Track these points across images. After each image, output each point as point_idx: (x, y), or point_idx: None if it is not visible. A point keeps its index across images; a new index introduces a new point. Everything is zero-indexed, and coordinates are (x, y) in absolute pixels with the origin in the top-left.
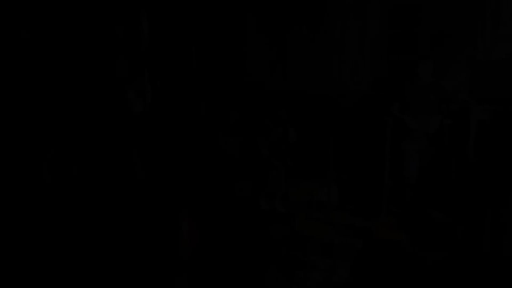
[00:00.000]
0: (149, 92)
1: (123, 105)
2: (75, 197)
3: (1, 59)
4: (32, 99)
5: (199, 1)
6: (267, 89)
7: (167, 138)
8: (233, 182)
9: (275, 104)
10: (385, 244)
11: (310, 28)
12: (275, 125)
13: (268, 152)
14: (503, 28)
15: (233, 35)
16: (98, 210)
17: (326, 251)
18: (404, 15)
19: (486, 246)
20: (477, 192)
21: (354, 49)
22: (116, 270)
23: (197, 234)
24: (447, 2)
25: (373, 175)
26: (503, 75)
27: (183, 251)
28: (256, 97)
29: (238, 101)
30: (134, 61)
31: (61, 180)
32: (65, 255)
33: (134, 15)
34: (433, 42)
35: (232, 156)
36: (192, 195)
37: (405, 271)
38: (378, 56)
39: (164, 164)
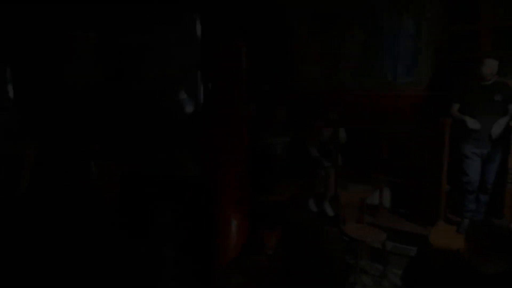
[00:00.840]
0: (201, 93)
1: (176, 105)
2: (126, 194)
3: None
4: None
5: (251, 2)
6: (317, 89)
7: (217, 137)
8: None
9: (326, 105)
10: (441, 252)
11: (363, 28)
12: (325, 125)
13: (317, 152)
14: None
15: (284, 35)
16: (150, 207)
17: (376, 256)
18: (464, 10)
19: None
20: None
21: (409, 48)
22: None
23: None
24: None
25: (430, 180)
26: None
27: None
28: (306, 98)
29: (287, 101)
30: (187, 62)
31: (109, 177)
32: (117, 251)
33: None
34: (495, 38)
35: (279, 157)
36: (241, 193)
37: (462, 282)
38: (436, 54)
39: (215, 163)
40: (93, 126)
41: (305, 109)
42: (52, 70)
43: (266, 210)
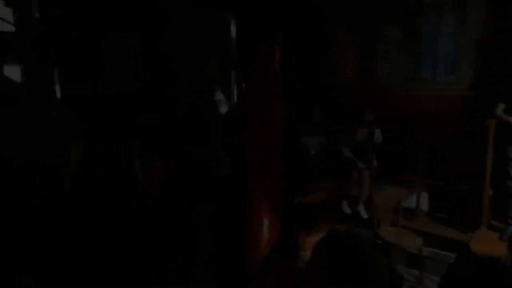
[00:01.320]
0: (234, 93)
1: (211, 106)
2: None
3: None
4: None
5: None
6: (353, 89)
7: (250, 137)
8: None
9: (361, 104)
10: (482, 259)
11: (402, 26)
12: (360, 125)
13: (351, 153)
14: None
15: (319, 33)
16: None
17: (412, 261)
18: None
19: None
20: None
21: (450, 46)
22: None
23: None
24: None
25: (471, 184)
26: None
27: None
28: (341, 97)
29: (321, 101)
30: (221, 63)
31: (151, 174)
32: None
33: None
34: None
35: (313, 157)
36: (274, 193)
37: None
38: (480, 51)
39: (248, 162)
40: (136, 126)
41: (339, 109)
42: (96, 71)
43: (300, 211)
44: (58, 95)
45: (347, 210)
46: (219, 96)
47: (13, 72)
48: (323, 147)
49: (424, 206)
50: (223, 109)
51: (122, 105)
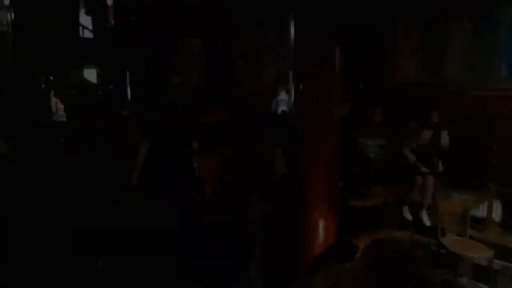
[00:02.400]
0: (292, 93)
1: (269, 105)
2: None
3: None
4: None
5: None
6: (417, 88)
7: (307, 138)
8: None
9: (426, 105)
10: None
11: (474, 19)
12: (425, 127)
13: (414, 157)
14: None
15: (380, 30)
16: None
17: (480, 274)
18: None
19: None
20: None
21: None
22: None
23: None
24: None
25: None
26: None
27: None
28: (403, 97)
29: (383, 102)
30: (281, 63)
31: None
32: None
33: None
34: None
35: (373, 160)
36: (331, 194)
37: None
38: None
39: (305, 163)
40: (196, 124)
41: (402, 110)
42: (164, 73)
43: (358, 214)
44: (129, 95)
45: (409, 216)
46: (277, 96)
47: (91, 75)
48: (385, 150)
49: (496, 215)
50: (281, 109)
51: (185, 104)
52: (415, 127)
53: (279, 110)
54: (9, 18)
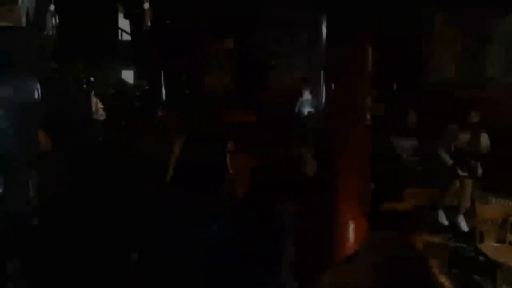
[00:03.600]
0: (323, 93)
1: (300, 106)
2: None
3: None
4: None
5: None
6: (454, 87)
7: (338, 138)
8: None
9: (464, 105)
10: None
11: None
12: (463, 129)
13: (450, 160)
14: None
15: (416, 26)
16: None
17: None
18: None
19: None
20: None
21: None
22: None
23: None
24: None
25: None
26: None
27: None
28: (440, 97)
29: (417, 101)
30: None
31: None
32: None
33: None
34: None
35: (406, 162)
36: (361, 196)
37: None
38: None
39: (335, 164)
40: (229, 124)
41: (438, 110)
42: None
43: (390, 217)
44: (164, 95)
45: (444, 221)
46: (308, 96)
47: (128, 75)
48: (419, 152)
49: None
50: (312, 109)
51: (217, 105)
52: (453, 128)
53: (310, 110)
54: (54, 22)
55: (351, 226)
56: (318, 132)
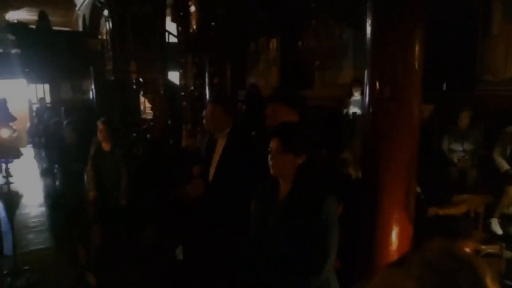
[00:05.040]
0: (367, 93)
1: (344, 106)
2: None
3: None
4: None
5: None
6: (510, 89)
7: (383, 139)
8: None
9: None
10: None
11: None
12: None
13: (507, 165)
14: None
15: (469, 20)
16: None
17: None
18: None
19: None
20: None
21: None
22: None
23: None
24: None
25: None
26: None
27: None
28: (495, 98)
29: (470, 102)
30: (357, 62)
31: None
32: None
33: None
34: None
35: (458, 166)
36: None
37: None
38: None
39: (379, 165)
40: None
41: (492, 112)
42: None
43: (437, 223)
44: (208, 96)
45: (498, 230)
46: (353, 96)
47: (175, 76)
48: (471, 156)
49: None
50: (355, 109)
51: (259, 104)
52: (509, 131)
53: (355, 111)
54: (107, 27)
55: (396, 231)
56: (364, 134)
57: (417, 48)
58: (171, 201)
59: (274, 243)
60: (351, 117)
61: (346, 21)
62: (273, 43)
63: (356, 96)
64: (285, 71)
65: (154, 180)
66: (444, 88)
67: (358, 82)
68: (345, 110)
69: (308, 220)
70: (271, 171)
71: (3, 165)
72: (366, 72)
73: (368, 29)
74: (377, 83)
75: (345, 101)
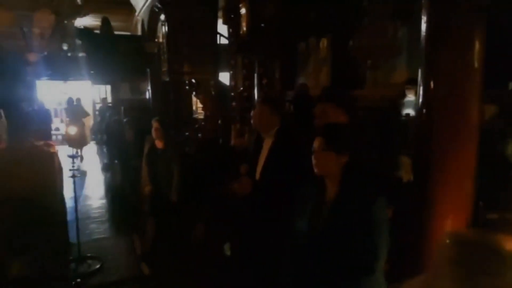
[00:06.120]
0: (421, 93)
1: (396, 106)
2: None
3: None
4: None
5: None
6: None
7: (439, 142)
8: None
9: None
10: None
11: None
12: None
13: None
14: None
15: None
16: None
17: None
18: None
19: None
20: None
21: None
22: None
23: None
24: None
25: None
26: None
27: None
28: None
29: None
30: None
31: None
32: None
33: None
34: None
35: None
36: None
37: None
38: None
39: (434, 168)
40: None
41: None
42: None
43: (495, 228)
44: (256, 96)
45: None
46: (407, 97)
47: (225, 77)
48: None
49: None
50: (409, 110)
51: (307, 104)
52: None
53: (407, 111)
54: (163, 31)
55: None
56: (416, 135)
57: (476, 44)
58: (220, 199)
59: (323, 244)
60: (404, 119)
61: (400, 18)
62: (324, 43)
63: (410, 97)
64: (335, 71)
65: (205, 178)
66: (510, 87)
67: (412, 84)
68: (398, 111)
69: (358, 222)
70: (315, 170)
71: (78, 151)
72: (420, 71)
73: (423, 26)
74: (432, 82)
75: (398, 102)
